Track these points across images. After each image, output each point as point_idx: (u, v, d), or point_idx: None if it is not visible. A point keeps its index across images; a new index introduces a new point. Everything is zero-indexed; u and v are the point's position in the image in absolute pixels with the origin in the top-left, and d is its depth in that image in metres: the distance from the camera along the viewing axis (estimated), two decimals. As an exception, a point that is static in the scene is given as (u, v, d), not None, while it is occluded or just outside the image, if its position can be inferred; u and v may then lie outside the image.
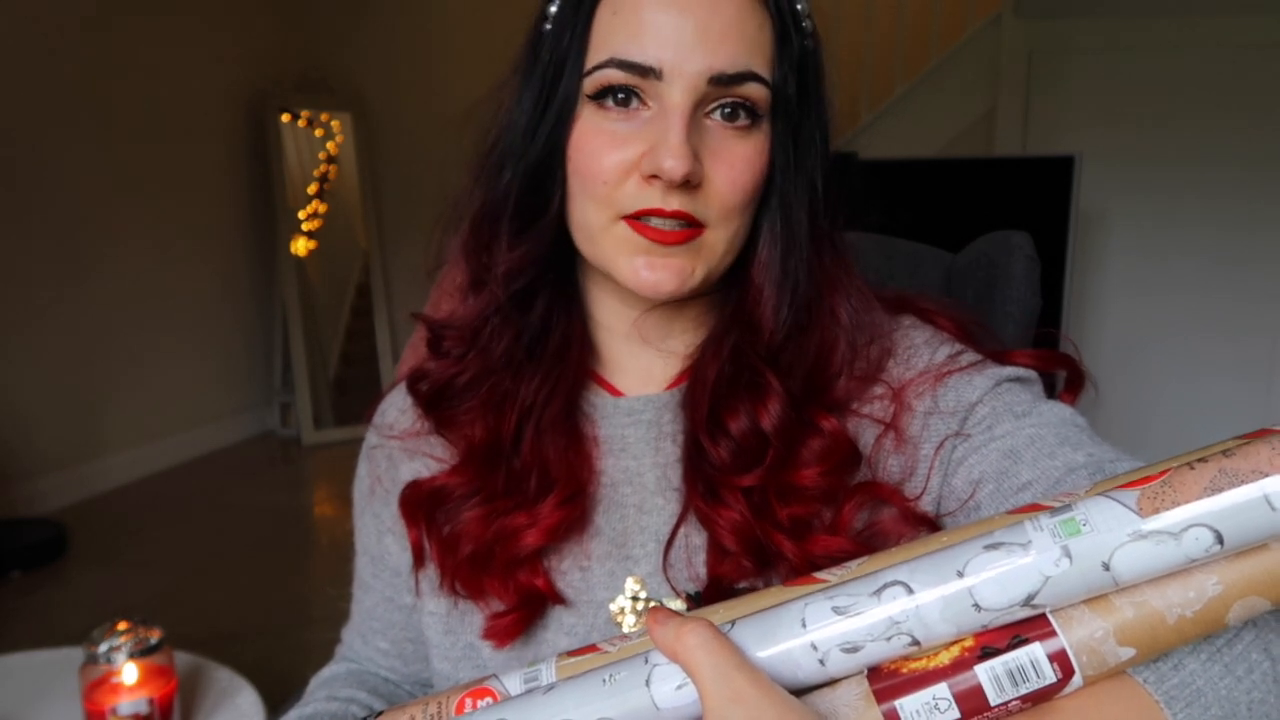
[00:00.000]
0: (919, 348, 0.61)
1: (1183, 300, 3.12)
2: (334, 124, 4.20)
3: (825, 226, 0.61)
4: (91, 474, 3.32)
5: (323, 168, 4.20)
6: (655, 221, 0.54)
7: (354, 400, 4.19)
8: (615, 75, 0.53)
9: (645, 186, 0.54)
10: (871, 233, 0.94)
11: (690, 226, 0.55)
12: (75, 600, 2.57)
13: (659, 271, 0.55)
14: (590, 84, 0.54)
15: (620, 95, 0.54)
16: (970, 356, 0.60)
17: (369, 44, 4.23)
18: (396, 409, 0.70)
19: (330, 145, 4.21)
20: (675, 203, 0.54)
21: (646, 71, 0.53)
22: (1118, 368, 3.13)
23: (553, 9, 0.57)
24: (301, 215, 4.11)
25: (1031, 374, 0.59)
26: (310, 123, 4.14)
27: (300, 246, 4.09)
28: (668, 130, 0.52)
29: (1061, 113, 3.20)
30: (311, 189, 4.16)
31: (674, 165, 0.52)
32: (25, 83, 3.03)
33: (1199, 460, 0.36)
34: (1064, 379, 0.61)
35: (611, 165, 0.54)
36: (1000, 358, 0.60)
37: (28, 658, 1.33)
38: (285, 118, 4.05)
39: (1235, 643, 0.40)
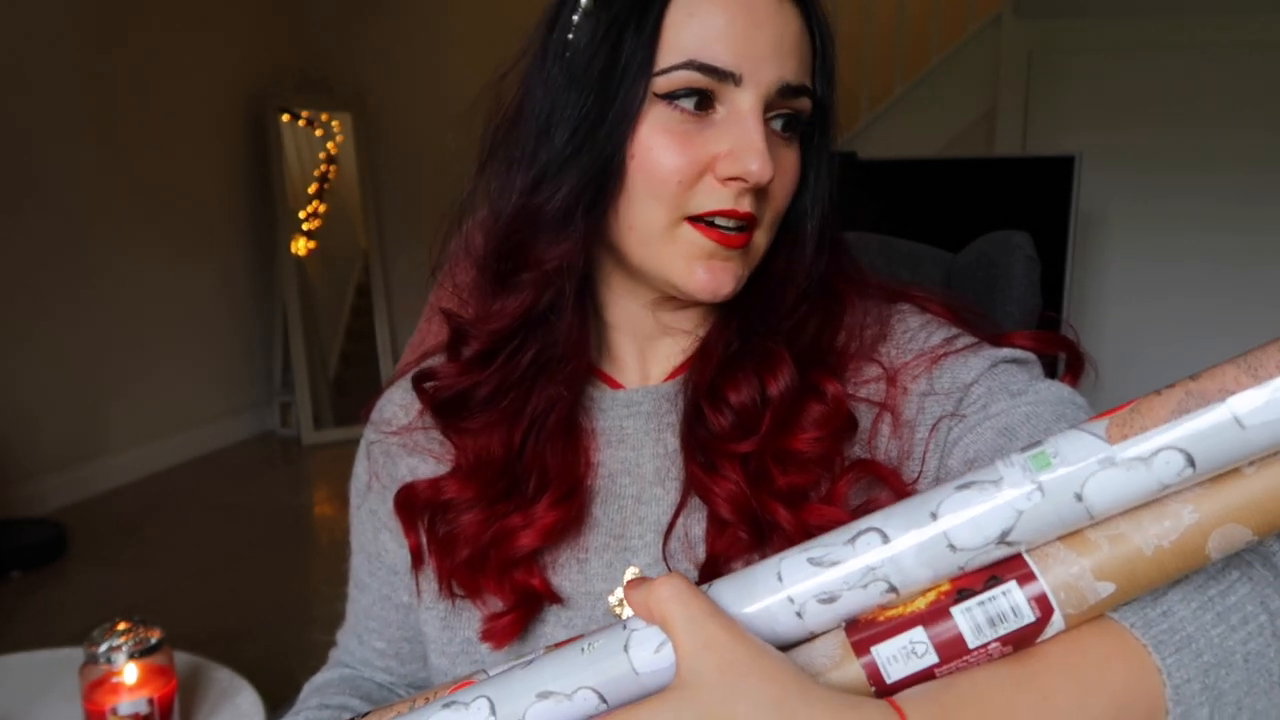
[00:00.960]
0: (915, 331, 0.61)
1: (1183, 300, 3.12)
2: (334, 124, 4.19)
3: (838, 227, 0.63)
4: (92, 474, 3.32)
5: (323, 168, 4.19)
6: (720, 222, 0.55)
7: (354, 400, 4.18)
8: (695, 78, 0.54)
9: (718, 188, 0.55)
10: (871, 233, 0.94)
11: (748, 229, 0.56)
12: (75, 600, 2.57)
13: (719, 275, 0.56)
14: (664, 84, 0.54)
15: (696, 96, 0.54)
16: (966, 339, 0.60)
17: (369, 44, 4.23)
18: (396, 405, 0.70)
19: (330, 145, 4.20)
20: (746, 204, 0.55)
21: (725, 75, 0.54)
22: (1118, 368, 3.13)
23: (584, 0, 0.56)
24: (301, 215, 4.11)
25: (1030, 356, 0.59)
26: (310, 123, 4.14)
27: (300, 246, 4.09)
28: (749, 134, 0.54)
29: (1061, 113, 3.20)
30: (311, 189, 4.16)
31: (761, 168, 0.53)
32: (27, 84, 3.04)
33: (1166, 387, 0.35)
34: (1064, 362, 0.61)
35: (684, 164, 0.55)
36: (998, 340, 0.60)
37: (28, 658, 1.32)
38: (285, 118, 4.04)
39: (1229, 594, 0.39)
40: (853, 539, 0.38)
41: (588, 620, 0.60)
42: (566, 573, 0.61)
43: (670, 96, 0.54)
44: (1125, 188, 3.12)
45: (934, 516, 0.37)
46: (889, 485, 0.57)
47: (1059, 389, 0.55)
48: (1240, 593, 0.39)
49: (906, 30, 3.43)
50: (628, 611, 0.59)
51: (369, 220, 4.25)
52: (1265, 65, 2.94)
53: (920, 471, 0.57)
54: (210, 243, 3.87)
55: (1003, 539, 0.36)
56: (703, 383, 0.59)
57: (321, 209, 4.18)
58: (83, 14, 3.22)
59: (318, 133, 4.18)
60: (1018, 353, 0.59)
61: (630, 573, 0.60)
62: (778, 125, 0.57)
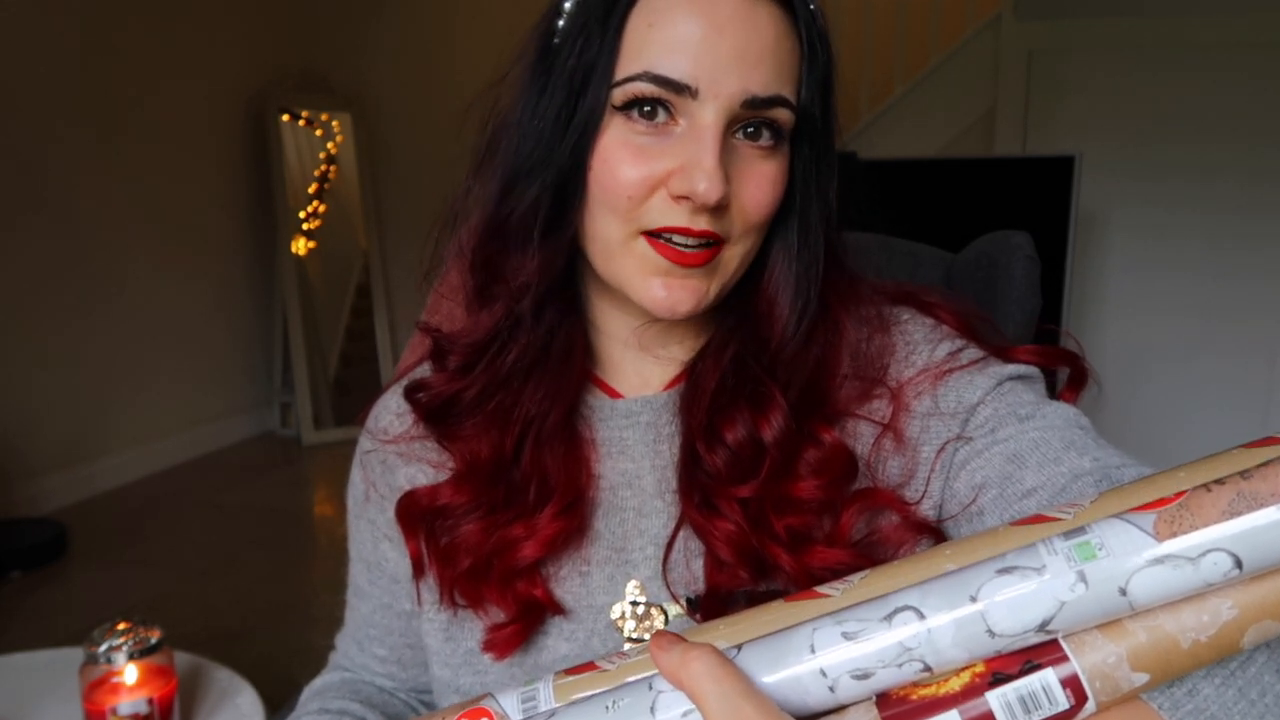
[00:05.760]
0: (918, 344, 0.60)
1: (1184, 299, 3.12)
2: (334, 124, 4.19)
3: (834, 238, 0.61)
4: (91, 474, 3.32)
5: (323, 168, 4.19)
6: (678, 240, 0.53)
7: (354, 400, 4.18)
8: (648, 89, 0.52)
9: (671, 204, 0.53)
10: (871, 233, 0.94)
11: (713, 245, 0.54)
12: (75, 600, 2.57)
13: (676, 293, 0.55)
14: (620, 95, 0.53)
15: (650, 109, 0.53)
16: (971, 353, 0.59)
17: (369, 44, 4.23)
18: (391, 413, 0.69)
19: (330, 145, 4.20)
20: (703, 223, 0.53)
21: (681, 88, 0.52)
22: (1118, 368, 3.13)
23: (568, 5, 0.55)
24: (301, 215, 4.11)
25: (1034, 371, 0.59)
26: (310, 123, 4.14)
27: (300, 246, 4.09)
28: (701, 151, 0.52)
29: (1061, 113, 3.20)
30: (311, 189, 4.16)
31: (709, 189, 0.51)
32: (26, 84, 3.03)
33: (1215, 482, 0.35)
34: (1066, 376, 0.60)
35: (637, 179, 0.53)
36: (1003, 354, 0.59)
37: (28, 658, 1.33)
38: (285, 118, 4.04)
39: (1249, 665, 0.39)
40: (889, 616, 0.37)
41: (590, 632, 0.60)
42: (568, 585, 0.61)
43: (626, 108, 0.53)
44: (1125, 187, 3.12)
45: (973, 600, 0.36)
46: (893, 510, 0.56)
47: (1065, 411, 0.55)
48: (1259, 662, 0.39)
49: (906, 30, 3.43)
50: (629, 625, 0.60)
51: (369, 220, 4.25)
52: (1265, 64, 2.94)
53: (924, 493, 0.57)
54: (210, 242, 3.87)
55: (1043, 627, 0.36)
56: (698, 423, 0.58)
57: (321, 209, 4.18)
58: (82, 13, 3.21)
59: (318, 133, 4.18)
60: (1023, 369, 0.58)
61: (631, 586, 0.60)
62: (749, 137, 0.54)
